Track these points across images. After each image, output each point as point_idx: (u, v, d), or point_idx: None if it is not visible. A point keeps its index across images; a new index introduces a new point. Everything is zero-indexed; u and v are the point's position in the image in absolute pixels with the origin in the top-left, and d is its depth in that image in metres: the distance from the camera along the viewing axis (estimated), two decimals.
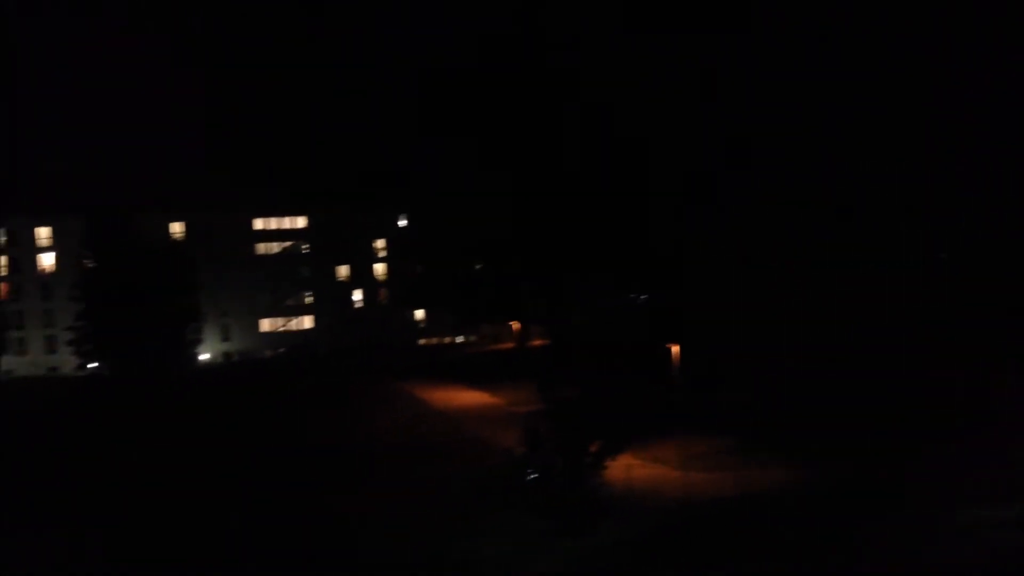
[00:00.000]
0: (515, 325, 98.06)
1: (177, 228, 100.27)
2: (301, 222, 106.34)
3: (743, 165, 57.14)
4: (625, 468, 37.64)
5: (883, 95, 53.87)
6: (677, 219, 61.76)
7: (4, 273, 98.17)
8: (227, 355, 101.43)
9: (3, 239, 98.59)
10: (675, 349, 59.01)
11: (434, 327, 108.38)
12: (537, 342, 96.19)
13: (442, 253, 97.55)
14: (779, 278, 54.40)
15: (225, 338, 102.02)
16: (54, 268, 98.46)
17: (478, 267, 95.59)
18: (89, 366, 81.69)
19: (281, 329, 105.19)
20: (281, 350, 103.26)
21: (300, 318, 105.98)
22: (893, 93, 53.79)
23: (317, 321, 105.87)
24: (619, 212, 69.57)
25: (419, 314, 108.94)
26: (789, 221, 55.52)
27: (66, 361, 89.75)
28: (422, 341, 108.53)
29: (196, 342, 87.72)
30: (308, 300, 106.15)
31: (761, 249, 56.18)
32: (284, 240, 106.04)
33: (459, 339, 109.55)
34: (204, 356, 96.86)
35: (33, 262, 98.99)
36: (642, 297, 67.90)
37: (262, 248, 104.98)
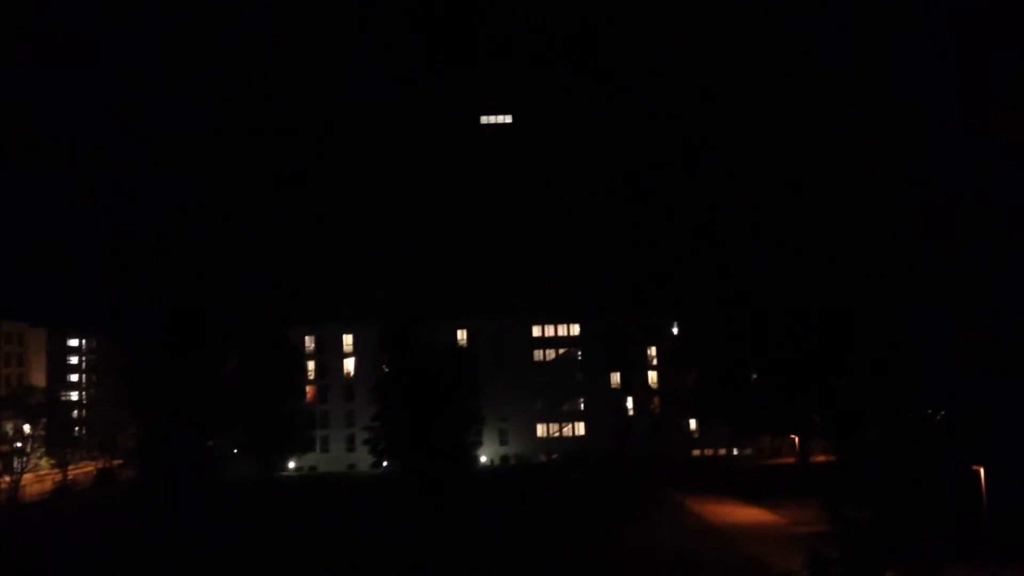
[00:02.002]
0: (796, 438, 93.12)
1: (461, 335, 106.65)
2: (576, 329, 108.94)
3: None
4: None
5: None
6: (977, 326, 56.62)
7: (312, 377, 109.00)
8: (504, 458, 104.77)
9: (313, 346, 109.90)
10: (981, 469, 53.02)
11: (708, 438, 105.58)
12: (820, 458, 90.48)
13: (717, 361, 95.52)
14: None
15: (503, 441, 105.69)
16: (354, 372, 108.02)
17: (755, 376, 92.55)
18: (382, 464, 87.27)
19: (555, 435, 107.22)
20: (554, 455, 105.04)
21: (573, 424, 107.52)
22: None
23: (589, 428, 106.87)
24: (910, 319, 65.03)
25: (692, 424, 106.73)
26: None
27: (362, 459, 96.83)
28: (695, 452, 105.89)
29: (477, 444, 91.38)
30: (581, 406, 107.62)
31: None
32: (560, 347, 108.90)
33: (735, 451, 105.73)
34: (483, 459, 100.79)
35: (339, 367, 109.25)
36: (941, 413, 62.10)
37: (539, 355, 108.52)
